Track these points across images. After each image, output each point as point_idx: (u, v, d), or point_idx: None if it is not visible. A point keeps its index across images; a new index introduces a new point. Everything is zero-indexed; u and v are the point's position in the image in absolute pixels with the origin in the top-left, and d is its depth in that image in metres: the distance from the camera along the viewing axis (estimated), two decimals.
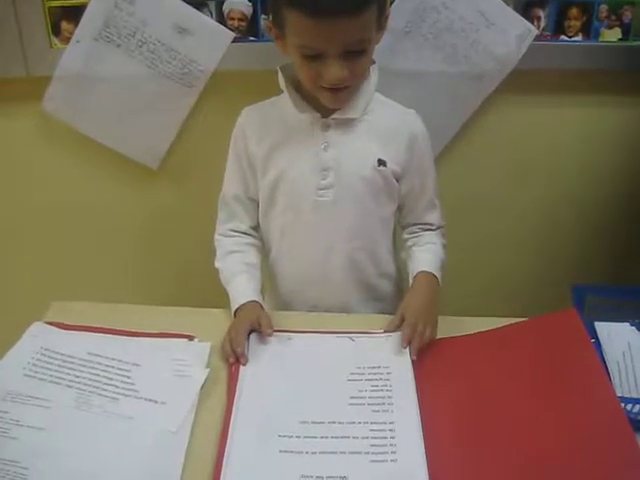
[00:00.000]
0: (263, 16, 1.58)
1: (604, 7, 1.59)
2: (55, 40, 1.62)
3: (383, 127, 1.37)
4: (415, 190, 1.44)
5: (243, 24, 1.60)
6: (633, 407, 1.09)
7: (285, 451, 1.06)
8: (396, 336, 1.29)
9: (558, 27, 1.62)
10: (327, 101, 1.30)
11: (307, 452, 1.06)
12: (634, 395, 1.19)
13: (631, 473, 0.99)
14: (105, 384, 1.19)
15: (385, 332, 1.31)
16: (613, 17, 1.60)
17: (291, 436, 1.09)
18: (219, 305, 1.40)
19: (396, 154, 1.38)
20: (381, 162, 1.36)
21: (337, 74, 1.21)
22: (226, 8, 1.59)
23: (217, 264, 1.45)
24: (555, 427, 1.08)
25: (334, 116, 1.33)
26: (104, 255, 1.97)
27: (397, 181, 1.41)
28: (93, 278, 1.96)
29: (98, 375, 1.21)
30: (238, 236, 1.47)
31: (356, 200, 1.38)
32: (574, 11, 1.60)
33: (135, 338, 1.30)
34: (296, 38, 1.21)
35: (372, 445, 1.07)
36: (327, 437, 1.09)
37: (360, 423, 1.11)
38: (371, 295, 1.50)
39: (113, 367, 1.23)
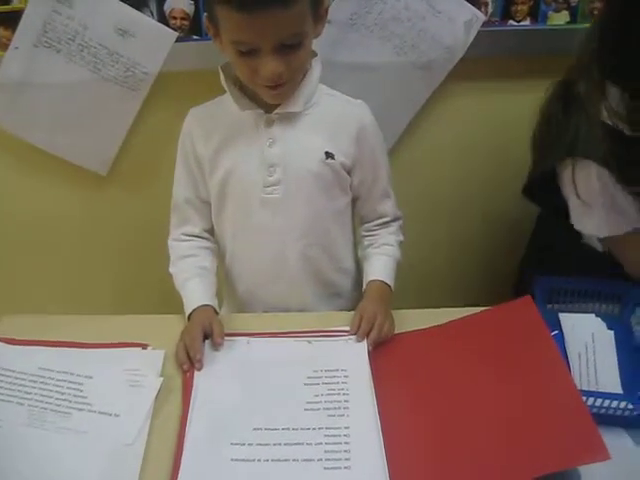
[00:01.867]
0: (205, 14, 1.54)
1: None
2: None
3: (329, 119, 1.36)
4: (367, 181, 1.42)
5: (185, 23, 1.58)
6: (595, 401, 1.08)
7: (237, 459, 1.05)
8: (355, 339, 1.28)
9: (506, 12, 1.61)
10: (267, 97, 1.29)
11: (259, 460, 1.05)
12: (594, 388, 1.19)
13: (587, 455, 0.99)
14: (57, 399, 1.17)
15: (344, 333, 1.30)
16: (560, 0, 1.60)
17: (243, 444, 1.08)
18: (173, 312, 1.38)
19: (344, 146, 1.36)
20: (329, 155, 1.35)
21: (273, 69, 1.20)
22: (167, 7, 1.56)
23: (171, 269, 1.44)
24: (514, 415, 1.08)
25: (277, 111, 1.32)
26: (53, 265, 1.94)
27: (348, 173, 1.40)
28: (43, 289, 1.94)
29: (50, 390, 1.19)
30: (191, 240, 1.45)
31: (305, 195, 1.37)
32: None
33: (87, 349, 1.28)
34: (229, 34, 1.20)
35: (326, 451, 1.06)
36: (280, 444, 1.08)
37: (315, 429, 1.10)
38: (329, 291, 1.49)
39: (65, 381, 1.21)
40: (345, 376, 1.20)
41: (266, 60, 1.19)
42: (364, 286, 1.41)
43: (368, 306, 1.32)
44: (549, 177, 1.39)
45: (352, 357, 1.24)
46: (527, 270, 1.64)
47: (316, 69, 1.34)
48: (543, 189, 1.43)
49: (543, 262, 1.57)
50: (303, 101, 1.32)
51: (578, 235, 1.43)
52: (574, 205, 1.36)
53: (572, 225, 1.39)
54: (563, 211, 1.39)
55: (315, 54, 1.33)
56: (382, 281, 1.39)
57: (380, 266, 1.42)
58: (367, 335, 1.26)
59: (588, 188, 1.32)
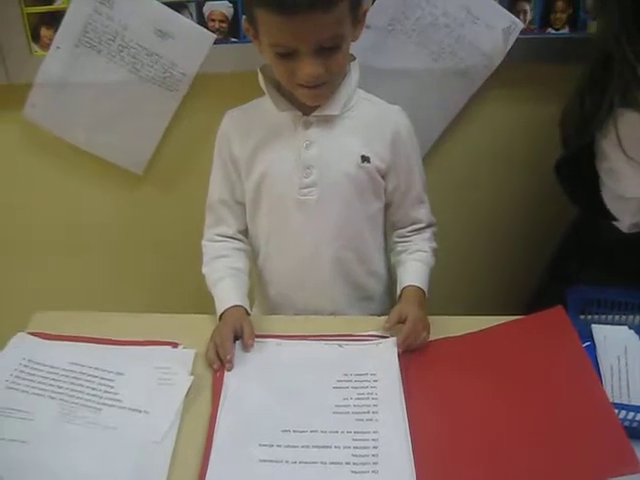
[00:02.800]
0: (244, 16, 1.55)
1: None
2: (35, 47, 1.61)
3: (366, 123, 1.36)
4: (401, 187, 1.42)
5: (224, 25, 1.59)
6: (627, 414, 1.06)
7: (265, 460, 1.05)
8: (386, 343, 1.28)
9: (544, 20, 1.60)
10: (305, 98, 1.29)
11: (287, 461, 1.05)
12: (626, 401, 1.17)
13: (619, 467, 0.98)
14: (88, 394, 1.18)
15: (374, 337, 1.30)
16: None
17: (272, 445, 1.08)
18: (205, 311, 1.38)
19: (380, 150, 1.36)
20: (364, 158, 1.35)
21: (311, 72, 1.20)
22: (206, 10, 1.57)
23: (204, 269, 1.44)
24: (544, 424, 1.07)
25: (315, 113, 1.32)
26: (90, 263, 1.96)
27: (382, 178, 1.40)
28: (78, 287, 1.95)
29: (81, 385, 1.20)
30: (225, 241, 1.46)
31: (340, 198, 1.37)
32: (560, 4, 1.58)
33: (118, 346, 1.30)
34: (268, 37, 1.21)
35: (354, 455, 1.05)
36: (308, 446, 1.07)
37: (343, 432, 1.10)
38: (360, 294, 1.49)
39: (96, 377, 1.22)
40: (375, 380, 1.20)
41: (305, 62, 1.19)
42: (398, 291, 1.40)
43: (411, 310, 1.30)
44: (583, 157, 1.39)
45: (382, 362, 1.24)
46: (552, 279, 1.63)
47: (354, 73, 1.34)
48: (574, 170, 1.43)
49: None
50: (341, 104, 1.32)
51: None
52: (620, 168, 1.34)
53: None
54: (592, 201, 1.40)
55: (353, 58, 1.34)
56: (418, 287, 1.38)
57: (415, 272, 1.41)
58: (406, 339, 1.26)
59: (635, 140, 1.30)
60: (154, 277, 1.98)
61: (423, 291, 1.39)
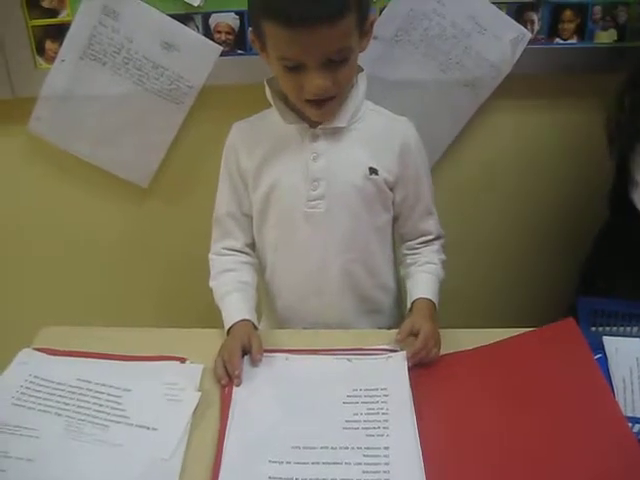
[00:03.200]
0: (250, 29, 1.55)
1: (598, 8, 1.57)
2: (40, 60, 1.61)
3: (373, 135, 1.36)
4: (410, 198, 1.42)
5: (230, 37, 1.59)
6: None
7: (275, 477, 1.04)
8: (396, 357, 1.27)
9: (552, 30, 1.60)
10: (312, 115, 1.29)
11: (297, 478, 1.04)
12: (638, 414, 1.16)
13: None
14: (95, 411, 1.17)
15: (384, 351, 1.29)
16: (608, 18, 1.58)
17: (282, 462, 1.07)
18: (212, 326, 1.38)
19: (388, 162, 1.36)
20: (372, 170, 1.35)
21: (319, 85, 1.20)
22: (212, 22, 1.57)
23: (211, 283, 1.44)
24: (556, 438, 1.07)
25: (322, 126, 1.32)
26: (94, 277, 1.95)
27: (391, 190, 1.39)
28: (84, 301, 1.95)
29: (88, 402, 1.19)
30: (232, 254, 1.45)
31: (348, 210, 1.37)
32: (568, 13, 1.58)
33: (126, 362, 1.29)
34: (275, 50, 1.20)
35: (364, 472, 1.04)
36: (318, 463, 1.06)
37: (354, 448, 1.08)
38: (369, 307, 1.48)
39: (103, 393, 1.21)
40: (385, 395, 1.19)
41: (312, 76, 1.19)
42: (409, 304, 1.39)
43: (424, 324, 1.28)
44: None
45: (392, 376, 1.23)
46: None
47: (362, 84, 1.34)
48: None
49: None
50: (348, 116, 1.32)
51: None
52: None
53: None
54: None
55: (361, 69, 1.34)
56: (429, 299, 1.37)
57: (425, 284, 1.41)
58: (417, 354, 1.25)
59: None
60: (161, 291, 1.98)
61: (434, 303, 1.38)
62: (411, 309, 1.37)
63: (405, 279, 1.46)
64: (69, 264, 1.94)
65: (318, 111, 1.27)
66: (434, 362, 1.26)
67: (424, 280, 1.42)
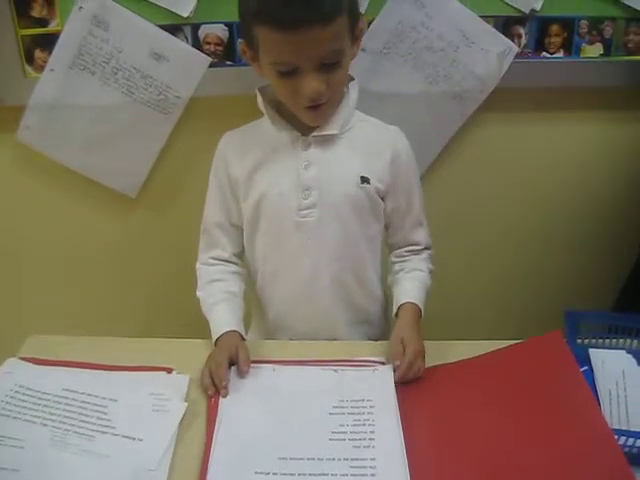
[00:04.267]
0: (239, 40, 1.57)
1: (584, 23, 1.59)
2: (29, 69, 1.61)
3: (365, 144, 1.37)
4: (401, 208, 1.43)
5: (220, 49, 1.60)
6: (627, 440, 1.05)
7: None
8: (382, 369, 1.28)
9: (539, 44, 1.62)
10: (306, 119, 1.30)
11: None
12: (625, 426, 1.16)
13: None
14: (81, 421, 1.17)
15: (371, 363, 1.30)
16: (594, 33, 1.60)
17: (268, 473, 1.06)
18: (199, 335, 1.38)
19: (379, 171, 1.37)
20: (364, 179, 1.35)
21: (314, 88, 1.21)
22: (202, 33, 1.58)
23: (198, 293, 1.44)
24: (543, 451, 1.07)
25: (314, 134, 1.33)
26: (82, 286, 1.95)
27: (382, 199, 1.40)
28: (70, 310, 1.95)
29: (74, 412, 1.18)
30: (220, 264, 1.45)
31: (340, 219, 1.37)
32: (555, 28, 1.60)
33: (112, 372, 1.29)
34: (268, 55, 1.21)
35: None
36: (305, 474, 1.06)
37: (340, 460, 1.08)
38: (359, 317, 1.49)
39: (89, 403, 1.20)
40: (371, 407, 1.19)
41: (307, 79, 1.20)
42: (395, 309, 1.40)
43: (411, 341, 1.28)
44: None
45: (378, 388, 1.23)
46: None
47: (353, 93, 1.35)
48: None
49: None
50: (340, 123, 1.33)
51: None
52: None
53: None
54: None
55: (352, 78, 1.35)
56: (415, 304, 1.38)
57: (412, 289, 1.41)
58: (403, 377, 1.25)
59: None
60: (148, 301, 1.98)
61: (419, 309, 1.38)
62: (397, 315, 1.38)
63: (392, 286, 1.46)
64: (56, 273, 1.94)
65: (313, 114, 1.27)
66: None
67: (411, 285, 1.42)
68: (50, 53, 1.57)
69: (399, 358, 1.26)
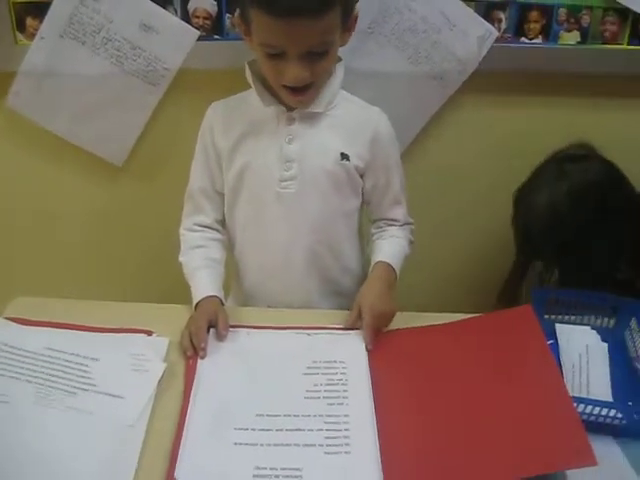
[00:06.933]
0: (228, 15, 1.59)
1: (563, 11, 1.62)
2: (20, 36, 1.62)
3: (347, 123, 1.40)
4: (380, 186, 1.46)
5: (208, 23, 1.61)
6: (585, 408, 1.10)
7: (240, 443, 1.08)
8: (354, 334, 1.32)
9: (518, 29, 1.65)
10: (289, 100, 1.33)
11: (262, 444, 1.08)
12: (584, 395, 1.21)
13: (574, 460, 1.01)
14: (64, 379, 1.20)
15: (342, 329, 1.34)
16: (572, 20, 1.63)
17: (246, 429, 1.11)
18: (180, 301, 1.41)
19: (359, 150, 1.40)
20: (344, 156, 1.38)
21: (297, 75, 1.24)
22: (191, 7, 1.59)
23: (181, 258, 1.47)
24: (505, 414, 1.11)
25: (299, 109, 1.36)
26: (69, 251, 1.97)
27: (361, 177, 1.43)
28: (56, 274, 1.96)
29: (57, 370, 1.21)
30: (202, 231, 1.48)
31: (319, 193, 1.40)
32: (534, 14, 1.63)
33: (94, 333, 1.31)
34: (259, 36, 1.24)
35: (326, 437, 1.09)
36: (282, 430, 1.10)
37: (315, 416, 1.13)
38: (332, 288, 1.52)
39: (72, 362, 1.23)
40: (344, 367, 1.24)
41: (292, 65, 1.23)
42: (370, 270, 1.43)
43: (367, 303, 1.32)
44: None
45: (350, 350, 1.28)
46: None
47: (339, 73, 1.38)
48: None
49: None
50: (325, 102, 1.36)
51: None
52: None
53: None
54: None
55: (340, 59, 1.37)
56: (387, 263, 1.41)
57: (387, 250, 1.45)
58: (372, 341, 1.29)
59: None
60: (131, 266, 1.99)
61: (392, 268, 1.42)
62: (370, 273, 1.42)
63: (371, 254, 1.48)
64: (43, 238, 1.94)
65: (294, 98, 1.31)
66: (391, 335, 1.31)
67: (387, 247, 1.46)
68: (41, 21, 1.58)
69: (352, 324, 1.32)
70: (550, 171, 1.59)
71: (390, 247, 1.46)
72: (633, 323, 1.34)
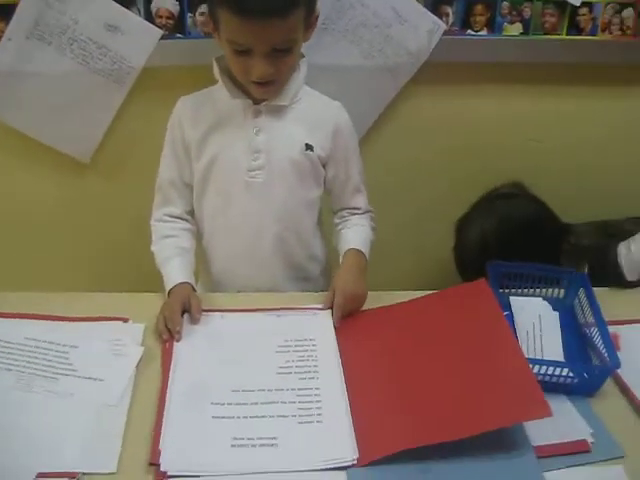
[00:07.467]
0: (189, 14, 1.64)
1: (506, 4, 1.70)
2: None
3: (310, 115, 1.46)
4: (340, 176, 1.52)
5: (170, 22, 1.65)
6: (540, 368, 1.18)
7: (218, 417, 1.14)
8: (322, 313, 1.39)
9: (465, 23, 1.72)
10: (255, 93, 1.39)
11: (238, 417, 1.14)
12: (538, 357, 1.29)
13: (531, 412, 1.08)
14: (44, 366, 1.24)
15: (310, 309, 1.41)
16: (514, 13, 1.71)
17: (223, 403, 1.17)
18: (155, 289, 1.45)
19: (322, 141, 1.47)
20: (308, 147, 1.45)
21: (263, 71, 1.30)
22: (154, 7, 1.63)
23: (152, 247, 1.51)
24: (467, 378, 1.18)
25: (265, 103, 1.41)
26: (39, 248, 1.97)
27: (323, 167, 1.50)
28: (27, 270, 1.97)
29: (37, 358, 1.25)
30: (173, 221, 1.52)
31: (285, 182, 1.46)
32: (479, 8, 1.71)
33: (71, 322, 1.35)
34: (226, 34, 1.30)
35: (299, 408, 1.16)
36: (257, 403, 1.17)
37: (288, 390, 1.20)
38: (298, 274, 1.58)
39: (51, 350, 1.27)
40: (313, 345, 1.31)
41: (257, 62, 1.29)
42: (341, 259, 1.49)
43: (341, 287, 1.39)
44: None
45: (319, 328, 1.35)
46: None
47: (303, 69, 1.45)
48: None
49: None
50: (290, 96, 1.42)
51: None
52: None
53: None
54: None
55: (303, 56, 1.44)
56: (356, 249, 1.47)
57: (354, 238, 1.51)
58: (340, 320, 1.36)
59: None
60: (102, 259, 2.01)
61: (362, 253, 1.48)
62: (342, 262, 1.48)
63: (336, 245, 1.55)
64: (11, 233, 1.95)
65: (261, 90, 1.37)
66: (358, 316, 1.38)
67: (352, 235, 1.52)
68: (7, 23, 1.60)
69: (328, 305, 1.38)
70: (483, 207, 1.74)
71: (357, 235, 1.52)
72: (581, 293, 1.42)
